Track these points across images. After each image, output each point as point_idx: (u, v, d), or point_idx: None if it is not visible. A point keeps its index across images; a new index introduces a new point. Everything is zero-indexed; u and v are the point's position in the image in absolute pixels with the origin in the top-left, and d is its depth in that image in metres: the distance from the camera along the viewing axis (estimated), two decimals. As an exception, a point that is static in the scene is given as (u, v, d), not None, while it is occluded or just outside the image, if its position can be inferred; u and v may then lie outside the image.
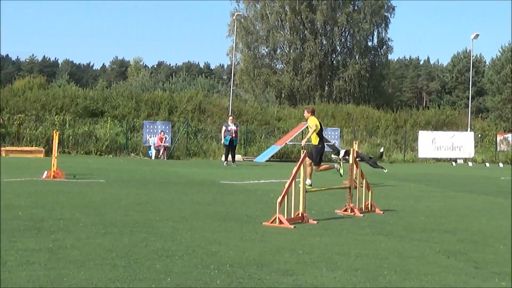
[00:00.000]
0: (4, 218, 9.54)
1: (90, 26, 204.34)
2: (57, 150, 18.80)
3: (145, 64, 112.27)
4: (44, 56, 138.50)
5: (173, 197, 13.79)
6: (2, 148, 33.17)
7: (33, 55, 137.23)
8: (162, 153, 34.99)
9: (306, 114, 17.85)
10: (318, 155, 17.24)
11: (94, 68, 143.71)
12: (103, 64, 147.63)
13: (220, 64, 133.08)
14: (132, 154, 36.50)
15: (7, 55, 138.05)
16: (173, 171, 23.63)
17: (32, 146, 34.61)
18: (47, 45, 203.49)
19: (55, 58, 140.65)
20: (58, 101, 40.15)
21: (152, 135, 36.31)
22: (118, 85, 66.91)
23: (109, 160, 32.11)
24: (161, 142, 35.15)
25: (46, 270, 6.22)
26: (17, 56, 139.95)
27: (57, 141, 18.84)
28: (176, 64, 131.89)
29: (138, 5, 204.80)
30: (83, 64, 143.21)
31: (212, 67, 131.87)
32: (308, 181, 16.27)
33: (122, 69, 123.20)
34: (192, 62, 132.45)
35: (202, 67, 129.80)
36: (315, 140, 17.20)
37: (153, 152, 35.12)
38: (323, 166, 17.87)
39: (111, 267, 6.46)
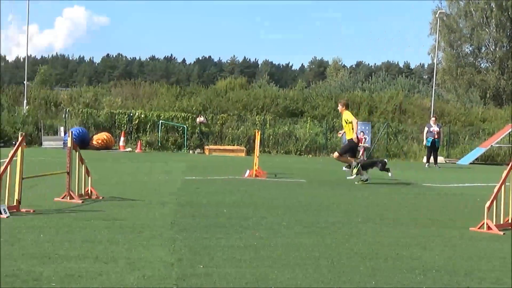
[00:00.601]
0: (210, 215, 9.83)
1: (289, 27, 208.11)
2: (258, 149, 19.15)
3: (344, 64, 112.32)
4: (244, 57, 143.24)
5: (374, 198, 13.59)
6: (206, 147, 34.47)
7: (234, 56, 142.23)
8: (362, 154, 34.75)
9: (340, 107, 17.87)
10: (349, 148, 17.54)
11: (292, 69, 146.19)
12: (302, 64, 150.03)
13: (420, 64, 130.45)
14: (331, 154, 36.57)
15: (209, 57, 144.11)
16: (372, 172, 23.32)
17: (233, 145, 35.68)
18: (248, 46, 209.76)
19: (255, 59, 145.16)
20: (259, 101, 41.06)
21: (351, 136, 36.18)
22: (317, 85, 67.49)
23: (309, 160, 32.39)
24: (361, 143, 34.92)
25: (251, 268, 6.29)
26: (219, 58, 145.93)
27: (258, 141, 19.19)
28: (375, 64, 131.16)
29: (343, 5, 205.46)
30: (282, 65, 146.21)
31: (412, 66, 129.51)
32: (354, 171, 17.22)
33: (321, 69, 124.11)
34: (391, 62, 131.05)
35: (402, 66, 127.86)
36: (350, 135, 17.24)
37: (352, 152, 34.96)
38: (344, 158, 17.75)
39: (314, 268, 6.41)
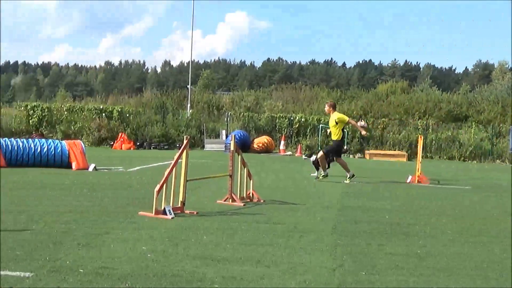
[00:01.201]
0: (372, 221, 9.66)
1: (452, 30, 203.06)
2: (421, 154, 18.73)
3: (511, 67, 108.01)
4: (406, 61, 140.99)
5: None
6: (366, 151, 34.14)
7: (395, 59, 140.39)
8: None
9: (327, 108, 17.61)
10: (336, 149, 17.05)
11: (456, 72, 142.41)
12: (466, 67, 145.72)
13: None
14: (497, 160, 35.24)
15: (370, 60, 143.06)
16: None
17: (395, 150, 35.12)
18: (409, 49, 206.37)
19: (417, 63, 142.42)
20: (421, 106, 40.27)
21: (518, 141, 34.77)
22: (483, 89, 65.39)
23: (473, 166, 31.28)
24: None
25: (415, 277, 6.08)
26: (380, 61, 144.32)
27: (421, 146, 18.78)
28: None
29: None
30: (445, 68, 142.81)
31: None
32: (322, 172, 17.04)
33: (486, 72, 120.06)
34: None
35: None
36: (338, 135, 16.95)
37: (520, 160, 33.66)
38: (324, 159, 17.13)
39: (482, 279, 6.12)
